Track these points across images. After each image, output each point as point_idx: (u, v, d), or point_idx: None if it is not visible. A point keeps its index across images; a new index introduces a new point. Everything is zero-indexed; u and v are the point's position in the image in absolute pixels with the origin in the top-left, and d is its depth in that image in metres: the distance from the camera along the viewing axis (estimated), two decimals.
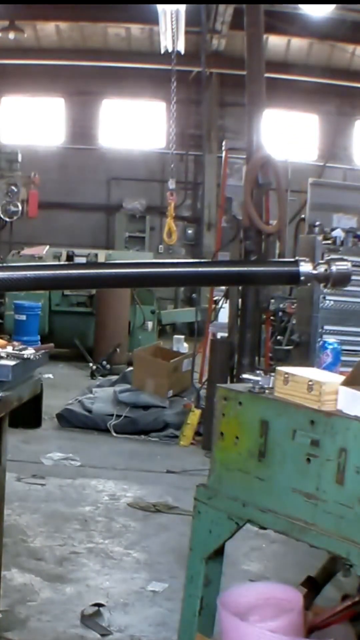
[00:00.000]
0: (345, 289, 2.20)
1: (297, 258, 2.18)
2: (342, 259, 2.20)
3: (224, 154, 10.41)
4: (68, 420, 8.17)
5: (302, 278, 2.15)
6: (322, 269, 2.16)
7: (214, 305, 9.43)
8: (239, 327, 7.86)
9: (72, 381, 10.47)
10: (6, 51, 16.97)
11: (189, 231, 19.11)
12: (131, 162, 18.89)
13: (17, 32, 16.23)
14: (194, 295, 16.62)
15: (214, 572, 3.07)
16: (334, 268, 2.14)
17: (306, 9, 14.76)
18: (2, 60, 17.36)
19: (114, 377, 9.55)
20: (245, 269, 2.30)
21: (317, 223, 9.63)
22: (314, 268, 2.21)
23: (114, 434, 7.95)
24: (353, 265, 2.31)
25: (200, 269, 2.24)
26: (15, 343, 3.62)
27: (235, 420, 2.93)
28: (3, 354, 3.36)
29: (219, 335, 9.02)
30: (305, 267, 2.14)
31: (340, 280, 2.15)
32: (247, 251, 7.61)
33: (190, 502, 3.13)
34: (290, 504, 2.72)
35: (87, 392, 9.01)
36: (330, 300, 7.81)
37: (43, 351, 3.66)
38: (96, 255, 13.20)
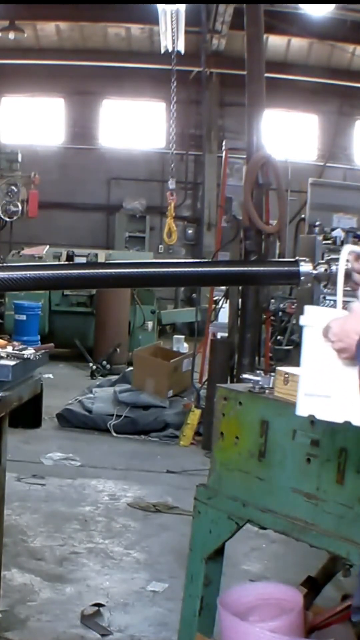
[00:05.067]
0: (345, 289, 2.19)
1: (297, 258, 2.19)
2: None
3: (224, 154, 10.41)
4: (68, 420, 8.17)
5: (302, 278, 2.15)
6: (322, 269, 2.16)
7: (214, 305, 9.42)
8: (239, 327, 7.86)
9: (72, 381, 10.47)
10: (6, 51, 16.96)
11: (189, 231, 19.11)
12: (131, 162, 18.89)
13: (17, 32, 16.22)
14: (194, 295, 16.61)
15: (214, 572, 3.07)
16: (334, 268, 2.14)
17: (306, 9, 14.76)
18: (2, 60, 17.35)
19: (114, 377, 9.54)
20: (246, 269, 2.31)
21: (317, 223, 9.63)
22: (314, 268, 2.21)
23: (114, 434, 7.95)
24: None
25: (200, 269, 2.25)
26: (15, 343, 3.62)
27: (235, 420, 2.93)
28: (3, 354, 3.36)
29: (219, 335, 9.02)
30: (305, 267, 2.15)
31: None
32: (247, 251, 7.61)
33: (190, 502, 3.13)
34: (290, 504, 2.72)
35: (87, 392, 9.00)
36: (330, 300, 7.79)
37: (43, 351, 3.67)
38: (96, 255, 13.20)
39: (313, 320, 2.08)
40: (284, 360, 9.59)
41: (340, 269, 2.11)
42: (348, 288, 2.19)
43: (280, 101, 16.55)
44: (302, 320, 2.09)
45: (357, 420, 2.06)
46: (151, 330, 12.65)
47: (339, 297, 2.11)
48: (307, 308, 2.09)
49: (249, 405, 2.89)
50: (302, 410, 2.09)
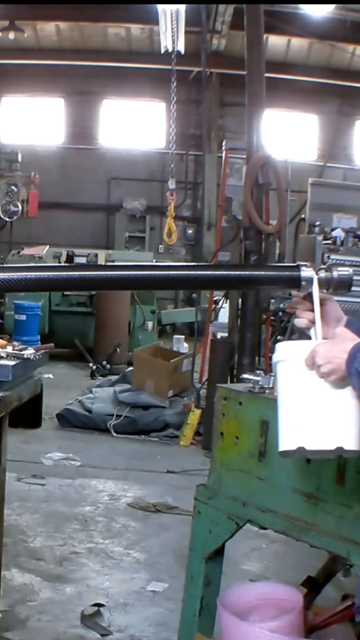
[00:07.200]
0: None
1: (298, 263, 2.19)
2: (343, 264, 2.21)
3: (224, 154, 10.41)
4: (68, 420, 8.18)
5: (303, 283, 2.15)
6: (323, 274, 2.16)
7: (214, 305, 9.43)
8: (239, 327, 7.86)
9: (72, 381, 10.47)
10: (6, 51, 16.96)
11: (189, 231, 19.11)
12: (131, 162, 18.89)
13: (17, 32, 16.22)
14: (194, 295, 16.62)
15: (214, 572, 3.08)
16: (335, 274, 2.14)
17: (306, 9, 14.77)
18: (2, 60, 17.34)
19: (114, 377, 9.54)
20: (246, 273, 2.30)
21: (317, 223, 9.64)
22: (315, 273, 2.21)
23: (114, 434, 7.96)
24: (353, 266, 2.31)
25: (200, 273, 2.24)
26: (15, 343, 3.63)
27: (235, 420, 2.93)
28: (3, 354, 3.36)
29: (219, 335, 9.03)
30: (307, 272, 2.15)
31: (341, 286, 2.16)
32: (247, 251, 7.61)
33: (190, 502, 3.13)
34: (290, 504, 2.72)
35: (87, 392, 9.00)
36: None
37: (43, 351, 3.67)
38: (96, 255, 13.20)
39: (287, 354, 2.10)
40: None
41: (316, 303, 2.13)
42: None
43: (280, 101, 16.56)
44: (276, 357, 2.11)
45: (349, 444, 2.04)
46: (151, 330, 12.65)
47: (318, 328, 2.13)
48: (279, 345, 2.13)
49: (249, 405, 2.89)
50: (288, 444, 2.07)
